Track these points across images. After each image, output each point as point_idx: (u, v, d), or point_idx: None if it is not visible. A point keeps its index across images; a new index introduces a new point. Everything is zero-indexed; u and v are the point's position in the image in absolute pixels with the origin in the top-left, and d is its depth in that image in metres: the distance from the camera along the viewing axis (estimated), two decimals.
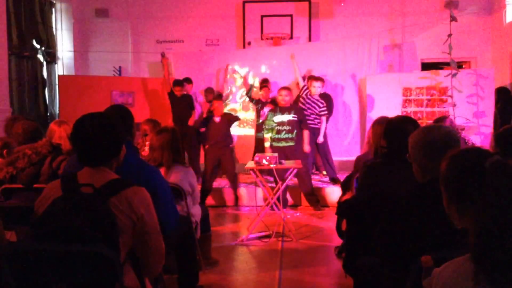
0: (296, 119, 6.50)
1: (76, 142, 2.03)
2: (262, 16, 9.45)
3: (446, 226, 1.68)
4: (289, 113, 6.50)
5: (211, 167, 6.84)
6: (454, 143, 2.10)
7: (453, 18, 6.77)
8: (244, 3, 9.51)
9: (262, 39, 9.47)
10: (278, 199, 5.64)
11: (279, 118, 6.51)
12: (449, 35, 6.79)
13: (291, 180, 6.46)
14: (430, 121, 7.25)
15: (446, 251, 1.79)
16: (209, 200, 6.97)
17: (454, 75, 6.98)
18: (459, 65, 7.95)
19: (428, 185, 2.01)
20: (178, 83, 7.76)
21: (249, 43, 9.58)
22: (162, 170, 3.70)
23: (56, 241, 1.76)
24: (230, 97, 8.61)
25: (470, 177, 1.44)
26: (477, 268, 1.30)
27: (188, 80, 8.04)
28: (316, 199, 6.76)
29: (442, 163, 1.55)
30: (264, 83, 8.10)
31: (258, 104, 7.81)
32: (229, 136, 7.00)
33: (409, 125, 2.81)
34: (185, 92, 7.83)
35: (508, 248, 1.25)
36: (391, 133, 2.90)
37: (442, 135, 2.10)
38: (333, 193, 6.78)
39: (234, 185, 7.01)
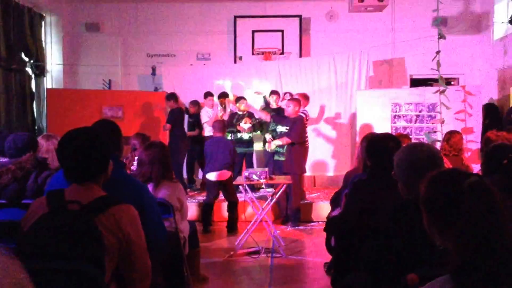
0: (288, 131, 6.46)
1: (62, 158, 1.99)
2: (253, 31, 9.49)
3: (431, 244, 1.68)
4: (283, 125, 6.48)
5: None
6: (437, 160, 2.12)
7: (441, 36, 6.84)
8: (235, 18, 9.56)
9: (253, 54, 9.50)
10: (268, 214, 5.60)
11: (278, 129, 6.57)
12: (438, 52, 6.85)
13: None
14: (421, 137, 7.31)
15: (431, 268, 1.79)
16: (196, 215, 6.91)
17: (442, 92, 7.04)
18: (448, 82, 8.02)
19: (413, 203, 2.01)
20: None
21: (240, 58, 9.61)
22: (151, 186, 3.66)
23: (39, 259, 1.72)
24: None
25: (449, 199, 1.45)
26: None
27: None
28: (299, 217, 6.72)
29: (421, 185, 1.56)
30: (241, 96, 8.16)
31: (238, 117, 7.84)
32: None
33: (390, 142, 2.87)
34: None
35: (487, 268, 1.25)
36: (374, 151, 2.96)
37: (425, 153, 2.13)
38: (323, 208, 6.76)
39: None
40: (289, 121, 6.45)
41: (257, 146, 8.15)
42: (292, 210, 6.63)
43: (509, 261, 1.25)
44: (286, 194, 6.48)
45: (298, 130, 6.37)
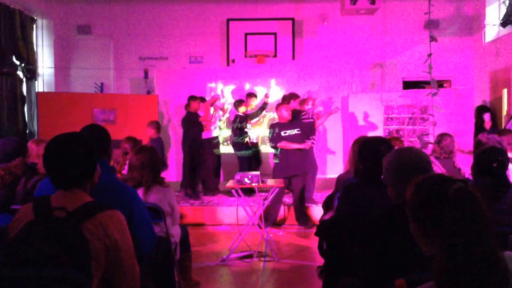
0: (300, 132, 6.43)
1: (47, 164, 1.97)
2: (246, 34, 9.49)
3: (419, 249, 1.68)
4: (293, 129, 6.43)
5: None
6: (425, 165, 2.12)
7: (433, 39, 6.86)
8: (228, 20, 9.56)
9: (246, 56, 9.51)
10: (260, 217, 5.59)
11: (288, 133, 6.45)
12: (429, 55, 6.88)
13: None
14: (413, 139, 7.33)
15: (420, 273, 1.78)
16: (188, 219, 6.88)
17: (434, 94, 7.06)
18: (440, 84, 8.05)
19: (402, 207, 2.01)
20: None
21: (233, 61, 9.61)
22: (141, 190, 3.64)
23: (25, 266, 1.70)
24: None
25: (435, 205, 1.45)
26: None
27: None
28: (306, 218, 6.71)
29: (407, 191, 1.56)
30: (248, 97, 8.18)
31: (242, 120, 7.81)
32: None
33: (382, 145, 2.86)
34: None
35: (471, 275, 1.24)
36: (365, 154, 2.94)
37: (413, 157, 2.12)
38: (316, 211, 6.75)
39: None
40: (296, 124, 6.48)
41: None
42: (296, 212, 6.65)
43: (493, 267, 1.25)
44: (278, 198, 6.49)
45: None
